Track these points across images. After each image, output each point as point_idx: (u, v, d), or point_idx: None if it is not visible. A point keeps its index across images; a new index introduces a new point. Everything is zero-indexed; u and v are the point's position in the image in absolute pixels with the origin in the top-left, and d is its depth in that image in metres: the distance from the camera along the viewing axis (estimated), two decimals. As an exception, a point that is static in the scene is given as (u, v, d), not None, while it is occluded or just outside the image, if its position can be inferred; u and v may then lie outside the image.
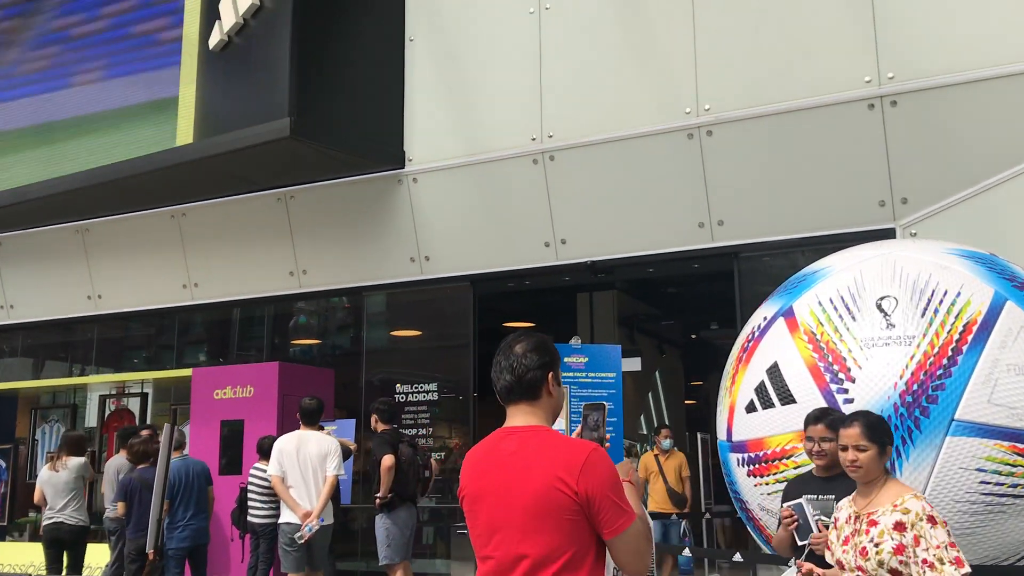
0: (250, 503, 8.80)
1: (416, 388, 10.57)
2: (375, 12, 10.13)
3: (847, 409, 4.63)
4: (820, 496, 4.22)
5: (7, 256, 12.93)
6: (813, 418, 4.47)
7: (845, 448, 3.77)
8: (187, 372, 11.16)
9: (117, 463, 9.14)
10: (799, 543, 4.12)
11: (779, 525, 4.38)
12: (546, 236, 9.58)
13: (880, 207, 8.15)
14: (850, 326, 5.09)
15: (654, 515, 9.60)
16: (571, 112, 9.25)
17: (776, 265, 8.87)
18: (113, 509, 8.74)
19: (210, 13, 10.19)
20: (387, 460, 7.99)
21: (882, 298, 5.10)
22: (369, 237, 10.55)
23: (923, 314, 4.97)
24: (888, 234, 8.06)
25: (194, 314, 12.37)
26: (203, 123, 10.11)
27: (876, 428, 3.78)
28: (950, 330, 4.88)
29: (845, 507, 3.85)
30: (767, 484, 5.26)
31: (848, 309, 5.17)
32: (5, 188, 11.58)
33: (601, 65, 9.16)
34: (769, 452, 5.22)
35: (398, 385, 10.66)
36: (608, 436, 2.97)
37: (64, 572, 9.02)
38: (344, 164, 10.12)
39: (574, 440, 2.77)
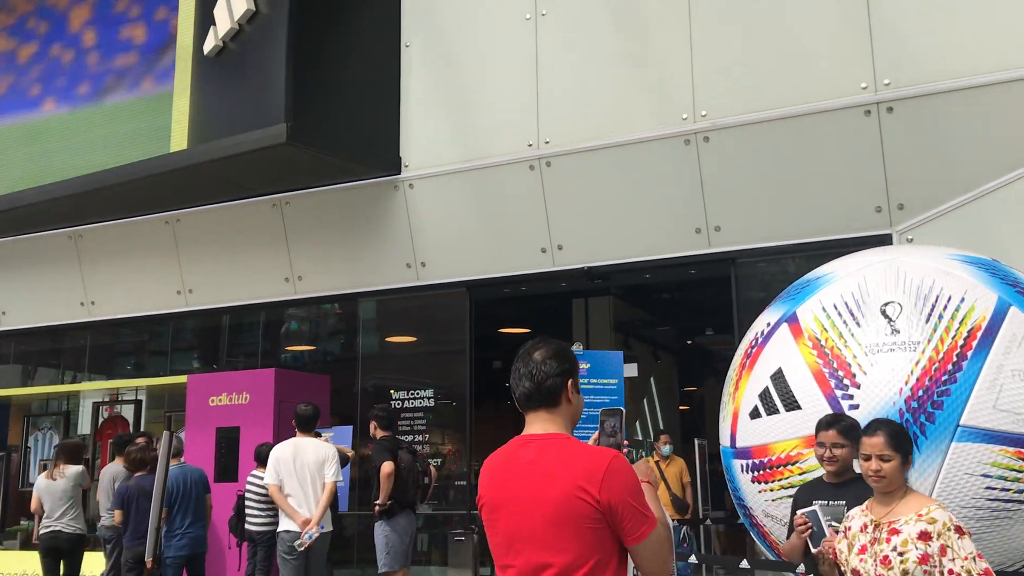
0: (247, 511, 8.76)
1: (412, 394, 10.55)
2: (371, 17, 10.12)
3: (853, 415, 4.63)
4: (831, 502, 4.22)
5: (-1, 262, 12.88)
6: (825, 424, 4.44)
7: (868, 458, 3.73)
8: (181, 379, 11.10)
9: (112, 471, 9.09)
10: (812, 550, 4.12)
11: (789, 532, 4.38)
12: (543, 242, 9.58)
13: (877, 213, 8.18)
14: (855, 332, 5.10)
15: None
16: (568, 118, 9.26)
17: (773, 271, 8.91)
18: (109, 517, 8.69)
19: (205, 18, 10.17)
20: (387, 467, 7.97)
21: (886, 304, 5.11)
22: (365, 243, 10.54)
23: (927, 320, 4.99)
24: (885, 240, 8.10)
25: (188, 321, 12.32)
26: (197, 128, 10.07)
27: (900, 437, 3.76)
28: (955, 336, 4.90)
29: (857, 516, 3.83)
30: (772, 490, 5.26)
31: (852, 315, 5.18)
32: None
33: (597, 71, 9.17)
34: (774, 458, 5.22)
35: (392, 391, 10.64)
36: (626, 442, 2.96)
37: (60, 581, 8.97)
38: (340, 170, 10.10)
39: (594, 448, 2.76)
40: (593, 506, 2.59)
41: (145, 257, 11.79)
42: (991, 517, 4.68)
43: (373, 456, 8.27)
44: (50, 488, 8.84)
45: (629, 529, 2.61)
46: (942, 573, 3.46)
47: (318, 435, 8.30)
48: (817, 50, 8.24)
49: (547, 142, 9.32)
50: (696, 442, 11.04)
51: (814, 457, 4.76)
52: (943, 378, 4.81)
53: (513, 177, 9.51)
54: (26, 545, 11.82)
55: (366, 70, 10.02)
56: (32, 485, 11.78)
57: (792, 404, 5.17)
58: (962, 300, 5.01)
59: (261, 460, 8.61)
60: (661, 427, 13.49)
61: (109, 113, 11.05)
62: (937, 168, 7.91)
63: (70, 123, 11.36)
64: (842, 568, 3.80)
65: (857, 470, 4.31)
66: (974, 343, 4.86)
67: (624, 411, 3.05)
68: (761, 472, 5.32)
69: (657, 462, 10.75)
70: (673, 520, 10.51)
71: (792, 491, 4.91)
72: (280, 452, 7.92)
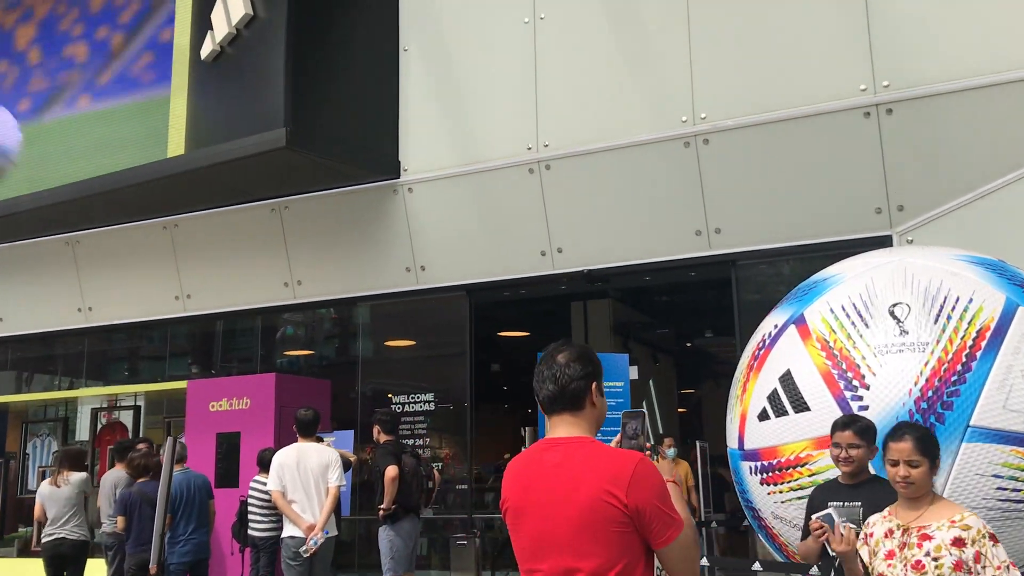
0: (250, 516, 8.72)
1: (412, 398, 10.54)
2: (370, 21, 10.11)
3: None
4: (846, 503, 4.22)
5: (-4, 268, 12.84)
6: (841, 424, 4.40)
7: (895, 463, 3.66)
8: (181, 384, 11.06)
9: (114, 477, 9.05)
10: (831, 552, 4.12)
11: (804, 534, 4.38)
12: (542, 245, 9.59)
13: (876, 214, 8.20)
14: (863, 333, 5.12)
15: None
16: (567, 121, 9.26)
17: (773, 273, 8.92)
18: (111, 524, 8.65)
19: (202, 23, 10.14)
20: (391, 471, 7.95)
21: (895, 305, 5.13)
22: (364, 247, 10.52)
23: (936, 320, 5.00)
24: (885, 241, 8.12)
25: (186, 326, 12.29)
26: (194, 134, 10.04)
27: (927, 441, 3.70)
28: (963, 336, 4.92)
29: (879, 522, 3.77)
30: (781, 492, 5.27)
31: (861, 316, 5.20)
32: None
33: (597, 74, 9.18)
34: (783, 460, 5.23)
35: (391, 395, 10.63)
36: (649, 444, 2.96)
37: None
38: (339, 174, 10.09)
39: (620, 451, 2.74)
40: (621, 510, 2.58)
41: (143, 262, 11.76)
42: (1002, 518, 4.69)
43: (377, 460, 8.24)
44: (54, 495, 8.80)
45: (657, 532, 2.60)
46: None
47: (320, 439, 8.28)
48: (816, 52, 8.26)
49: (546, 145, 9.32)
50: (697, 444, 11.03)
51: (823, 458, 4.77)
52: (952, 379, 4.82)
53: (512, 180, 9.51)
54: (24, 552, 11.77)
55: (365, 74, 10.01)
56: (30, 492, 11.76)
57: (801, 406, 5.18)
58: (970, 301, 5.03)
59: (264, 465, 8.57)
60: (660, 430, 13.50)
61: (104, 117, 11.02)
62: (937, 169, 7.93)
63: (67, 127, 11.34)
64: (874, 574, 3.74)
65: (871, 471, 4.32)
66: (983, 343, 4.88)
67: (646, 413, 3.05)
68: (770, 474, 5.32)
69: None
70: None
71: (802, 493, 4.91)
72: (283, 458, 7.87)
